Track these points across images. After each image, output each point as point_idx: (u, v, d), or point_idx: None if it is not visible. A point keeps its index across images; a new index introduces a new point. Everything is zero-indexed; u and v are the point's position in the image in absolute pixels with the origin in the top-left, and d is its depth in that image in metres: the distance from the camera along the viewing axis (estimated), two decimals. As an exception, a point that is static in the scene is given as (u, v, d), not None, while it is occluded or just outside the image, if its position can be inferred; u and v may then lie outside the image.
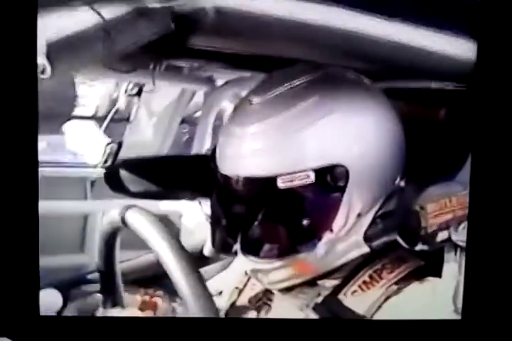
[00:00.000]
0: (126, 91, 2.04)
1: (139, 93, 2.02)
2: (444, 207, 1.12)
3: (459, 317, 1.03)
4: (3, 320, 0.92)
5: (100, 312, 1.02)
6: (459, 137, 1.19)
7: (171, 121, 2.29)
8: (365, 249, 1.11)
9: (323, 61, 1.17)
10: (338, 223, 1.11)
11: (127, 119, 2.16)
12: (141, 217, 1.03)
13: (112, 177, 1.30)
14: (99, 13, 0.81)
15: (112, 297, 1.07)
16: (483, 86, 1.04)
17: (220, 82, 1.91)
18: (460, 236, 1.11)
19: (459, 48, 1.10)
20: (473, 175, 1.05)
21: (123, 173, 1.27)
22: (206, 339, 0.99)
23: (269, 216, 1.11)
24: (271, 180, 1.07)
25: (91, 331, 0.95)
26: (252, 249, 1.15)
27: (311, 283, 1.16)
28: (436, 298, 1.07)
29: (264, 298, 1.18)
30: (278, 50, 1.16)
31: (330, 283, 1.15)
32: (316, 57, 1.18)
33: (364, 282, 1.13)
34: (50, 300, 0.97)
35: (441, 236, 1.13)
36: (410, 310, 1.06)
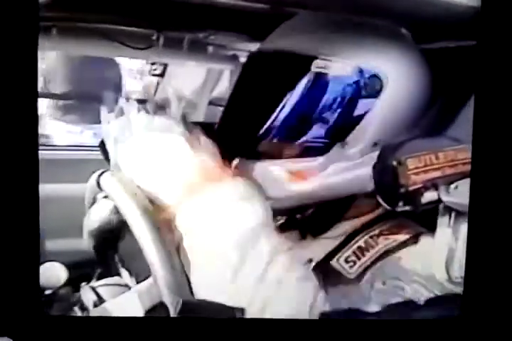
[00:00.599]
0: (149, 71, 1.99)
1: (162, 73, 1.97)
2: (430, 163, 1.03)
3: (452, 287, 0.96)
4: (5, 319, 0.90)
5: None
6: (451, 90, 1.12)
7: (200, 103, 2.25)
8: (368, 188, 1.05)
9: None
10: (354, 136, 1.05)
11: (145, 101, 2.11)
12: (112, 181, 0.98)
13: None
14: None
15: (109, 269, 1.04)
16: (485, 38, 0.95)
17: (243, 60, 1.87)
18: (452, 197, 1.01)
19: None
20: (475, 130, 0.95)
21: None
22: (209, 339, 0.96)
23: (293, 99, 1.06)
24: (307, 60, 1.05)
25: (94, 331, 0.93)
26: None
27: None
28: (427, 265, 0.99)
29: None
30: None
31: (323, 249, 1.08)
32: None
33: (359, 247, 1.06)
34: (51, 274, 0.92)
35: (429, 196, 1.02)
36: (394, 276, 0.99)
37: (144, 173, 0.97)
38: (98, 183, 1.02)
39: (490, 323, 0.95)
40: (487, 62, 0.95)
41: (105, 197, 1.04)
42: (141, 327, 0.92)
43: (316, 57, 1.05)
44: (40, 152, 0.97)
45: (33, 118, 0.93)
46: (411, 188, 1.02)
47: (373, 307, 0.92)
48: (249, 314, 0.88)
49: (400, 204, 1.02)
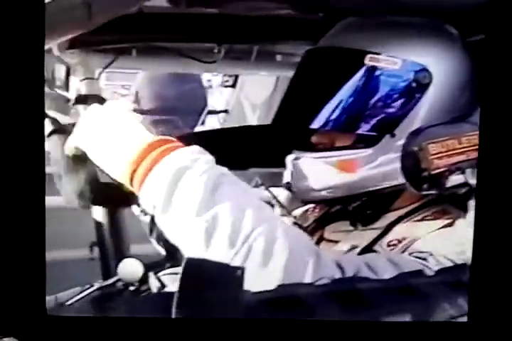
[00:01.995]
0: (222, 83, 2.08)
1: (234, 84, 2.05)
2: (452, 148, 1.08)
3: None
4: (10, 319, 0.90)
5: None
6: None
7: (270, 111, 2.32)
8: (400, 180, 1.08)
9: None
10: (402, 128, 1.10)
11: (225, 111, 2.20)
12: None
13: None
14: None
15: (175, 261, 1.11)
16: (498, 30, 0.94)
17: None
18: None
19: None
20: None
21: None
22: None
23: (345, 91, 1.11)
24: (360, 54, 1.11)
25: (98, 331, 0.93)
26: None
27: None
28: (455, 245, 1.01)
29: None
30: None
31: (369, 238, 1.12)
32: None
33: (401, 232, 1.09)
34: (130, 270, 0.99)
35: (455, 179, 1.07)
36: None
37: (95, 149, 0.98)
38: None
39: (497, 327, 0.93)
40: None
41: None
42: (144, 327, 0.92)
43: (368, 52, 1.11)
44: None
45: (40, 135, 0.92)
46: (434, 172, 1.07)
47: (386, 275, 0.93)
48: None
49: (425, 187, 1.08)
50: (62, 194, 1.12)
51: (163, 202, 0.92)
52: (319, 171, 1.13)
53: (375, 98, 1.11)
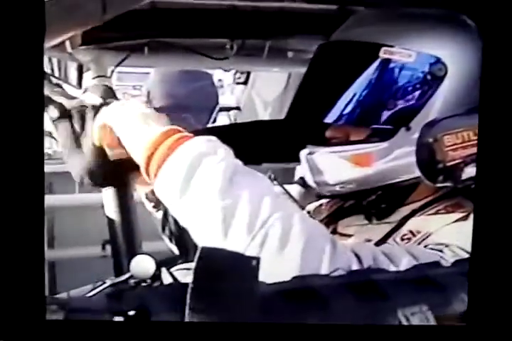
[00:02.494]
0: (234, 80, 2.08)
1: (246, 81, 2.05)
2: (468, 139, 1.07)
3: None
4: (8, 324, 0.89)
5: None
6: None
7: (282, 108, 2.32)
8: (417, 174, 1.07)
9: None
10: (417, 121, 1.09)
11: (237, 108, 2.20)
12: None
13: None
14: None
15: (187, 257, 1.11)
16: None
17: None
18: None
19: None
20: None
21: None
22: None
23: (360, 85, 1.11)
24: (374, 47, 1.10)
25: (97, 335, 0.91)
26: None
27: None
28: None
29: None
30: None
31: (383, 232, 1.11)
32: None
33: (414, 226, 1.08)
34: (142, 266, 0.99)
35: (470, 172, 1.06)
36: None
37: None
38: None
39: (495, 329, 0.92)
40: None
41: None
42: (143, 331, 0.90)
43: (382, 45, 1.10)
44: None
45: (39, 133, 0.89)
46: (449, 164, 1.06)
47: (402, 265, 0.93)
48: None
49: (440, 179, 1.07)
50: (73, 174, 1.14)
51: (181, 187, 0.92)
52: (334, 165, 1.13)
53: (390, 91, 1.10)
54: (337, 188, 1.14)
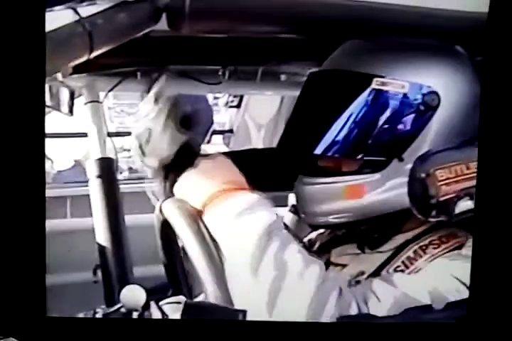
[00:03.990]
0: (226, 103, 2.08)
1: (239, 104, 2.05)
2: (461, 173, 1.05)
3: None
4: (10, 320, 0.92)
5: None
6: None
7: (275, 131, 2.32)
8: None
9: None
10: (410, 152, 1.08)
11: (230, 131, 2.20)
12: (173, 208, 1.05)
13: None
14: (75, 10, 0.83)
15: (179, 288, 1.09)
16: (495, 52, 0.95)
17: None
18: None
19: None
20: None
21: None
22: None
23: (351, 116, 1.10)
24: (367, 78, 1.09)
25: (97, 332, 0.96)
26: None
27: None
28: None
29: None
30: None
31: (377, 262, 1.11)
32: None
33: (408, 257, 1.08)
34: (133, 297, 0.98)
35: (464, 206, 1.05)
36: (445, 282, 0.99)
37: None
38: (160, 209, 1.10)
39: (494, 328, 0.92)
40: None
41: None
42: (142, 329, 0.94)
43: (374, 76, 1.09)
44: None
45: (41, 157, 0.94)
46: (442, 198, 1.04)
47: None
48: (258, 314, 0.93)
49: (433, 213, 1.05)
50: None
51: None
52: (327, 197, 1.12)
53: (382, 122, 1.09)
54: (330, 219, 1.14)
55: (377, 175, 1.09)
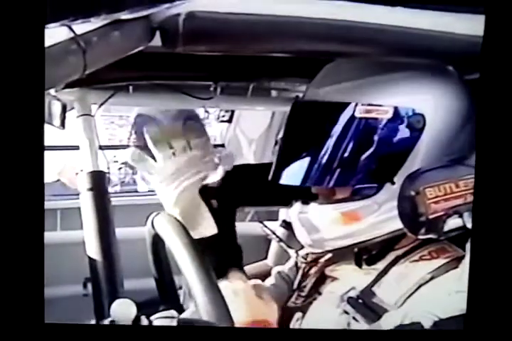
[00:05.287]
0: (218, 118, 2.09)
1: (230, 119, 2.06)
2: (450, 191, 1.06)
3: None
4: (8, 327, 0.91)
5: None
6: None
7: (266, 145, 2.33)
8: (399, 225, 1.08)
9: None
10: (401, 175, 1.08)
11: (222, 145, 2.21)
12: (164, 222, 1.07)
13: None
14: (70, 28, 0.83)
15: (169, 303, 1.09)
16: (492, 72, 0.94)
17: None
18: None
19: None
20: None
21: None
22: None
23: (338, 146, 1.10)
24: (349, 107, 1.09)
25: (95, 339, 0.96)
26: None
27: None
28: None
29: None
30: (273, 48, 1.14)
31: (368, 275, 1.13)
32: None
33: (399, 273, 1.09)
34: (123, 311, 0.98)
35: (453, 223, 1.05)
36: (438, 301, 1.00)
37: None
38: (152, 224, 1.12)
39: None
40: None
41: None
42: (141, 335, 0.94)
43: (356, 104, 1.09)
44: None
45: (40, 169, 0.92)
46: (431, 216, 1.05)
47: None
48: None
49: (423, 231, 1.06)
50: None
51: None
52: (327, 223, 1.14)
53: (369, 149, 1.10)
54: (331, 243, 1.16)
55: (371, 200, 1.10)
